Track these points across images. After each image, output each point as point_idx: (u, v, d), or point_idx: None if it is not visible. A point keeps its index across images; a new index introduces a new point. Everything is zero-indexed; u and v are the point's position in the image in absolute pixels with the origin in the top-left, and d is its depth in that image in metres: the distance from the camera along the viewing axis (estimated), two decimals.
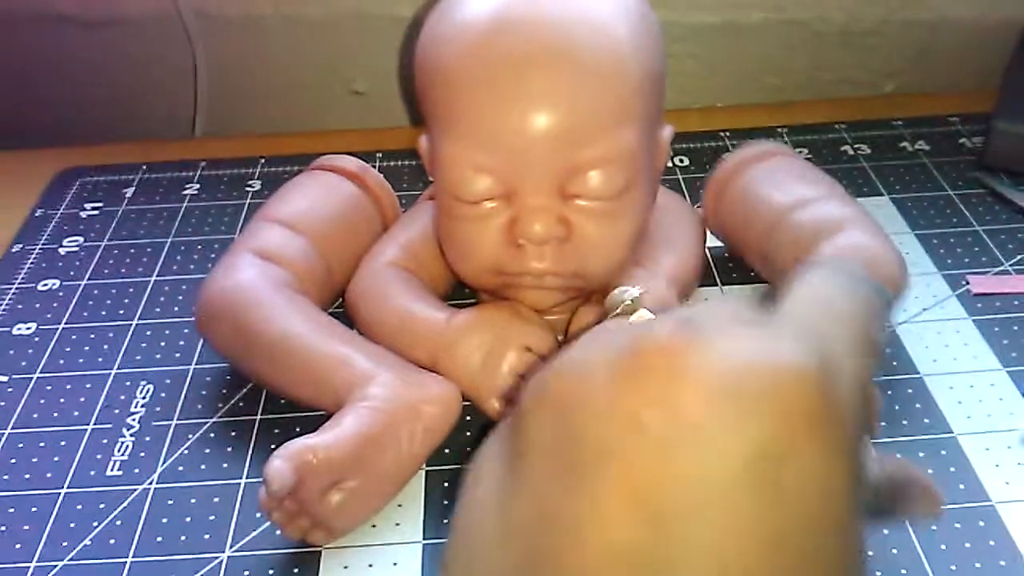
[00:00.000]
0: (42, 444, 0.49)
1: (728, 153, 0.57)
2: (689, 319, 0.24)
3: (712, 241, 0.58)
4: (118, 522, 0.45)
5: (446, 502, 0.44)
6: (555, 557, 0.23)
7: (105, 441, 0.49)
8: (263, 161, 0.70)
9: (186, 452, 0.48)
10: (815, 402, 0.23)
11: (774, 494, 0.22)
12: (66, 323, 0.56)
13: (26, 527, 0.45)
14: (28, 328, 0.56)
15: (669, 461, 0.22)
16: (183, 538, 0.44)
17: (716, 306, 0.26)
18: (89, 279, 0.60)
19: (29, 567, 0.43)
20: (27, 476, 0.47)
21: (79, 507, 0.45)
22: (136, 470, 0.47)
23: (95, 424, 0.50)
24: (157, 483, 0.46)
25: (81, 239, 0.64)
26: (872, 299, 0.28)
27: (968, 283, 0.55)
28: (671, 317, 0.24)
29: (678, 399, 0.23)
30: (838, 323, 0.26)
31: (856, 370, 0.25)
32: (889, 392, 0.48)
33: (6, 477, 0.47)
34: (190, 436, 0.49)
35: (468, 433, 0.47)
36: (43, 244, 0.63)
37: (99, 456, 0.48)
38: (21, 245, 0.63)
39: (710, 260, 0.57)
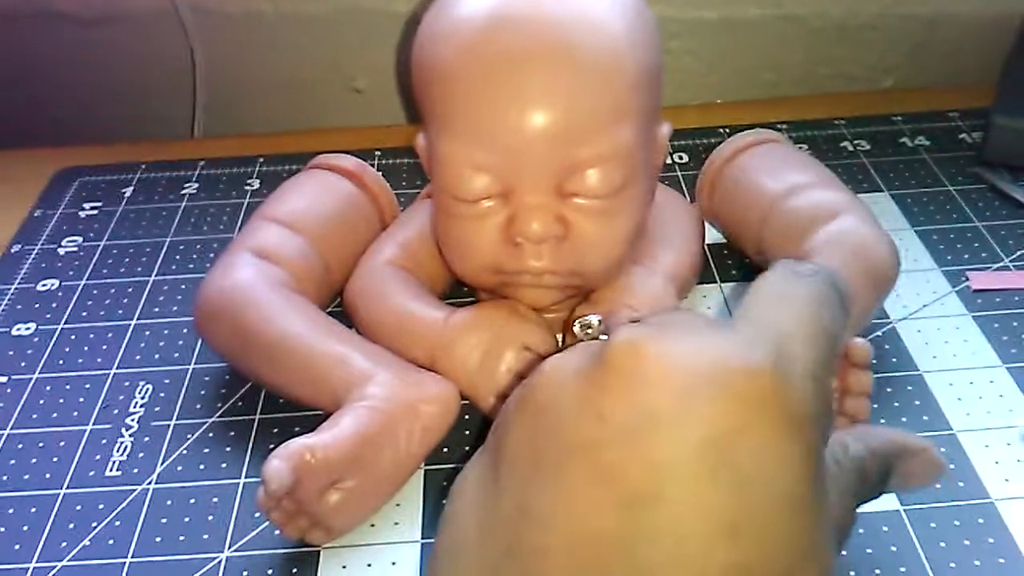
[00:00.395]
0: (41, 444, 0.49)
1: (721, 142, 0.57)
2: (650, 323, 0.26)
3: (711, 237, 0.57)
4: (117, 522, 0.45)
5: (445, 502, 0.44)
6: (530, 546, 0.24)
7: (104, 441, 0.49)
8: (262, 160, 0.70)
9: (185, 452, 0.48)
10: (766, 388, 0.24)
11: (730, 475, 0.23)
12: (65, 323, 0.56)
13: (25, 527, 0.45)
14: (27, 328, 0.56)
15: (630, 448, 0.24)
16: (182, 538, 0.44)
17: (677, 313, 0.28)
18: (88, 279, 0.60)
19: (28, 568, 0.43)
20: (26, 476, 0.47)
21: (78, 507, 0.45)
22: (135, 470, 0.47)
23: (94, 424, 0.50)
24: (156, 483, 0.46)
25: (80, 239, 0.64)
26: (827, 293, 0.29)
27: (968, 279, 0.55)
28: (635, 324, 0.26)
29: (637, 390, 0.24)
30: (791, 316, 0.27)
31: (811, 361, 0.26)
32: (888, 389, 0.48)
33: (5, 478, 0.47)
34: (189, 436, 0.49)
35: (467, 432, 0.47)
36: (42, 244, 0.63)
37: (98, 456, 0.48)
38: (20, 245, 0.63)
39: (709, 257, 0.57)
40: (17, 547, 0.44)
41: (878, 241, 0.49)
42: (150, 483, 0.46)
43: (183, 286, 0.59)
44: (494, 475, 0.27)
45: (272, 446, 0.41)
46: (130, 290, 0.59)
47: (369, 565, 0.42)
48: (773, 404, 0.24)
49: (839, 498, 0.30)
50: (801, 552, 0.24)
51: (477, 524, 0.26)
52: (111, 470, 0.47)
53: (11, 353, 0.55)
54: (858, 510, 0.31)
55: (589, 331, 0.32)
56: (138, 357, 0.54)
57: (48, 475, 0.47)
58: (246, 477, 0.46)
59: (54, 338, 0.55)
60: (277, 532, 0.42)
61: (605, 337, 0.31)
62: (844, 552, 0.37)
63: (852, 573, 0.40)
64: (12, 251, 0.63)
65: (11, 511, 0.45)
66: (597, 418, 0.24)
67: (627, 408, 0.24)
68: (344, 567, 0.42)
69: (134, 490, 0.46)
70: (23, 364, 0.54)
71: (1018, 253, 0.57)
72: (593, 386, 0.25)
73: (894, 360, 0.50)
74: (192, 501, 0.45)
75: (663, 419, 0.24)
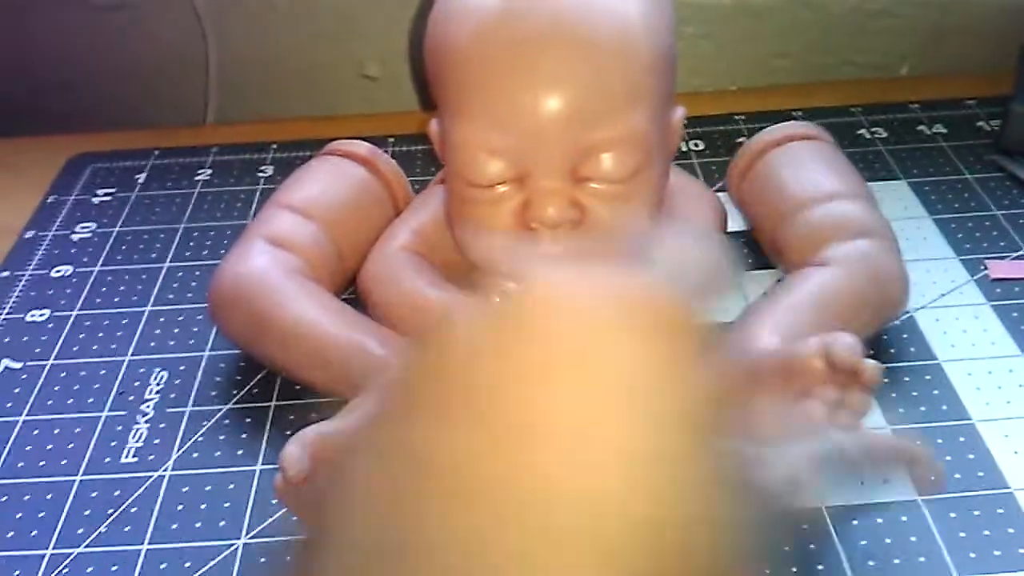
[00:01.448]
0: (56, 431, 0.49)
1: (736, 130, 0.57)
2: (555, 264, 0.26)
3: (731, 226, 0.57)
4: (133, 509, 0.45)
5: None
6: (429, 496, 0.22)
7: (119, 428, 0.49)
8: (275, 147, 0.70)
9: (201, 439, 0.48)
10: (671, 325, 0.24)
11: (645, 413, 0.23)
12: (79, 309, 0.56)
13: (41, 514, 0.45)
14: (42, 314, 0.56)
15: (543, 389, 0.23)
16: (198, 525, 0.43)
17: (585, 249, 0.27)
18: (102, 265, 0.60)
19: (45, 554, 0.43)
20: (42, 463, 0.47)
21: (94, 494, 0.45)
22: (151, 457, 0.47)
23: (109, 411, 0.50)
24: (172, 470, 0.46)
25: (93, 225, 0.63)
26: (718, 254, 0.28)
27: (986, 268, 0.54)
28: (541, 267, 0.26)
29: (547, 329, 0.24)
30: (685, 262, 0.27)
31: (701, 306, 0.26)
32: (906, 378, 0.48)
33: (21, 464, 0.47)
34: (205, 423, 0.48)
35: None
36: (55, 230, 0.63)
37: (114, 443, 0.48)
38: (34, 232, 0.63)
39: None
40: (34, 533, 0.44)
41: (892, 274, 0.49)
42: (166, 470, 0.46)
43: (197, 272, 0.58)
44: (383, 424, 0.25)
45: (288, 433, 0.41)
46: (144, 276, 0.58)
47: None
48: (671, 332, 0.24)
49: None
50: (712, 482, 0.23)
51: (364, 481, 0.24)
52: (127, 457, 0.47)
53: (25, 339, 0.55)
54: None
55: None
56: (153, 344, 0.53)
57: (64, 461, 0.47)
58: (262, 464, 0.46)
59: (68, 324, 0.55)
60: (294, 519, 0.42)
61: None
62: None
63: (872, 563, 0.40)
64: (25, 237, 0.63)
65: (27, 497, 0.45)
66: (504, 358, 0.23)
67: (535, 347, 0.23)
68: None
69: (150, 477, 0.46)
70: (38, 350, 0.54)
71: None
72: (497, 324, 0.24)
73: (912, 349, 0.50)
74: (208, 488, 0.45)
75: (573, 358, 0.23)
